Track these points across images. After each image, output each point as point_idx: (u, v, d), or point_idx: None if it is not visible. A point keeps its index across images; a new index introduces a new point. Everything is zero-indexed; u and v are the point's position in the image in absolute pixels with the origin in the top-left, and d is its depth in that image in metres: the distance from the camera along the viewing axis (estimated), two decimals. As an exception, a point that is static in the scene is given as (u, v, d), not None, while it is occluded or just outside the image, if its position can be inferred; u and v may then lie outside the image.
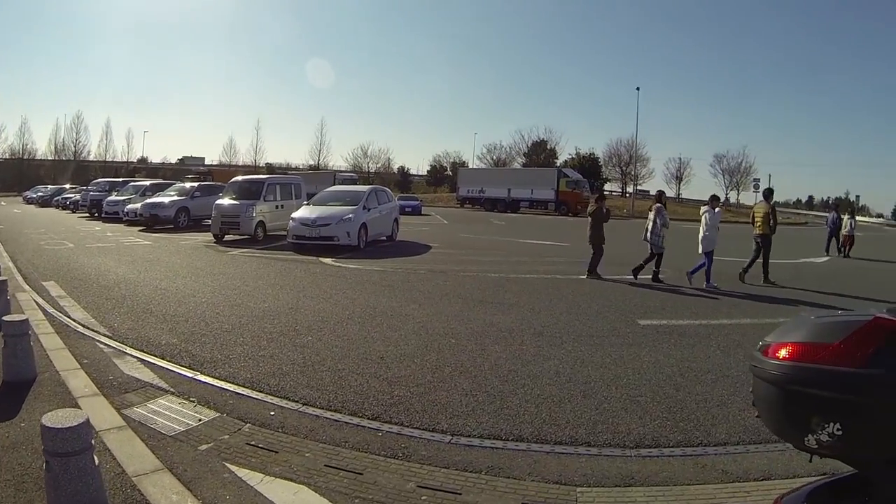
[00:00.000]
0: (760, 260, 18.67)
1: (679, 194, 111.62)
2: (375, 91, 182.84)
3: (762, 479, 5.81)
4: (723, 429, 6.93)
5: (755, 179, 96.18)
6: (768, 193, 20.28)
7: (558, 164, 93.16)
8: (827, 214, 37.93)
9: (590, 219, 18.76)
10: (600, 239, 18.30)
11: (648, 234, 17.91)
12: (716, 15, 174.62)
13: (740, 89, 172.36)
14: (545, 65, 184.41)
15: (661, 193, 19.56)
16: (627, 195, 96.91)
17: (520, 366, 8.86)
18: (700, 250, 17.67)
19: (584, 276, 17.92)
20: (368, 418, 6.79)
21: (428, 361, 8.90)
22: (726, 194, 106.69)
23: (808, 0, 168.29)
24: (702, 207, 19.16)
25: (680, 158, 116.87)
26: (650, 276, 17.55)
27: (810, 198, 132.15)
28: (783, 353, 2.94)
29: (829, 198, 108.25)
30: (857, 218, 35.06)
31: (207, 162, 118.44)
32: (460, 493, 5.21)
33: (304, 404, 7.14)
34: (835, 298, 16.71)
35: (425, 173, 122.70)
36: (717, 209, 18.45)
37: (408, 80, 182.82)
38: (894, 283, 22.62)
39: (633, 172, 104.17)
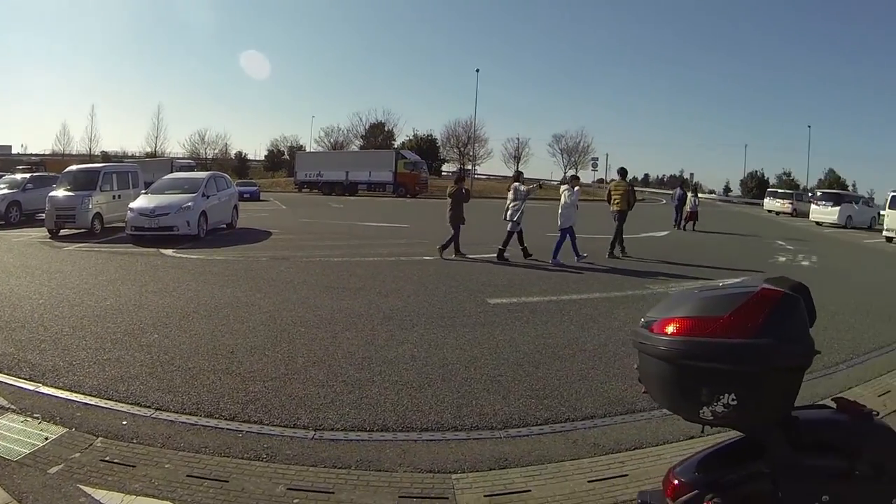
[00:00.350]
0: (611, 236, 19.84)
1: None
2: (212, 74, 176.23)
3: (634, 449, 5.88)
4: (588, 402, 6.98)
5: (593, 158, 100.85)
6: (624, 172, 21.94)
7: (396, 146, 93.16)
8: (671, 192, 42.06)
9: (449, 200, 18.69)
10: (459, 219, 18.38)
11: (508, 213, 18.31)
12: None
13: (579, 71, 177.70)
14: (384, 47, 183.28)
15: (518, 174, 20.40)
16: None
17: (374, 352, 8.62)
18: (559, 226, 18.25)
19: (453, 257, 18.01)
20: (226, 419, 6.34)
21: (280, 353, 8.50)
22: (565, 173, 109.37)
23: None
24: (562, 186, 20.03)
25: (518, 139, 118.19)
26: (496, 255, 17.93)
27: (646, 175, 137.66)
28: (671, 328, 2.87)
29: (664, 175, 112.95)
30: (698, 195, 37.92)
31: (39, 151, 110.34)
32: (333, 492, 4.91)
33: (157, 409, 6.54)
34: (679, 268, 17.70)
35: (263, 158, 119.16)
36: (576, 188, 19.23)
37: (245, 62, 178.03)
38: (732, 251, 24.32)
39: (471, 153, 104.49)
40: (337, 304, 11.52)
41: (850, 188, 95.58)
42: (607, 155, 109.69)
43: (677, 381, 2.85)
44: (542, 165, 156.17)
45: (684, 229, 33.94)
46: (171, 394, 6.95)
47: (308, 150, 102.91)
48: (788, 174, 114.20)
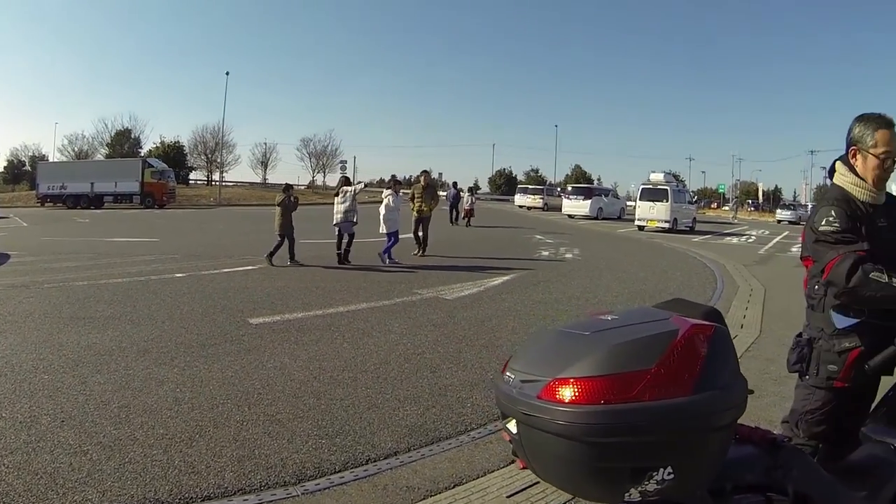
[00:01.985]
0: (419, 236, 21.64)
1: (265, 179, 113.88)
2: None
3: (454, 486, 5.17)
4: (385, 436, 6.17)
5: (342, 162, 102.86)
6: (426, 174, 23.98)
7: (143, 154, 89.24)
8: (445, 192, 46.85)
9: (279, 208, 18.98)
10: (291, 228, 18.78)
11: (340, 217, 19.00)
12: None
13: (327, 74, 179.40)
14: (129, 47, 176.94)
15: (346, 178, 21.50)
16: (214, 183, 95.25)
17: (131, 398, 7.27)
18: (383, 230, 19.63)
19: (288, 264, 18.34)
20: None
21: (20, 412, 6.84)
22: (313, 177, 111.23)
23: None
24: (384, 191, 21.40)
25: (266, 143, 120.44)
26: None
27: (393, 176, 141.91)
28: (570, 392, 2.03)
29: (411, 176, 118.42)
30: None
31: None
32: None
33: None
34: (452, 260, 18.66)
35: (2, 170, 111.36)
36: (399, 193, 20.85)
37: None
38: (499, 245, 25.98)
39: (219, 159, 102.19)
40: (84, 340, 9.94)
41: (596, 182, 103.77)
42: (355, 157, 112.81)
43: (592, 465, 2.05)
44: (291, 170, 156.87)
45: (466, 225, 38.36)
46: None
47: (51, 160, 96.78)
48: (536, 171, 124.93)
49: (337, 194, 19.71)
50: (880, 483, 2.87)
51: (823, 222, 3.59)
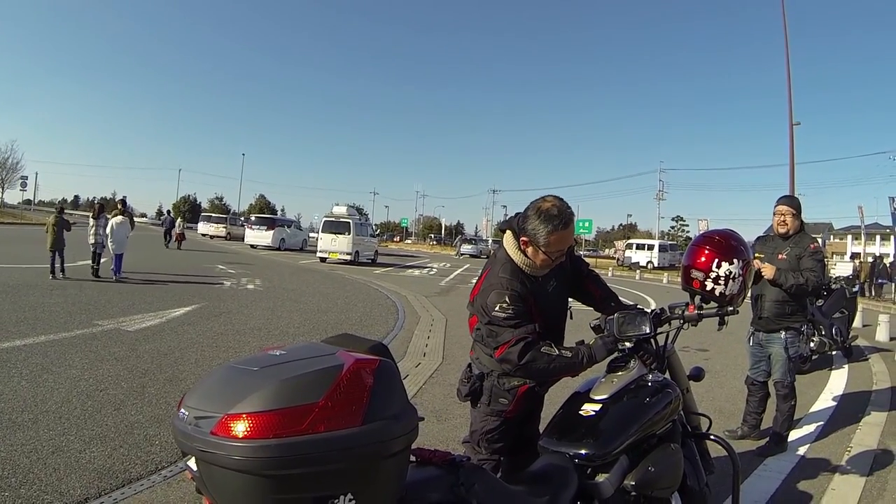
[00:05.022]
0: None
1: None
2: None
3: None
4: (74, 481, 5.80)
5: (23, 177, 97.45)
6: (123, 203, 25.55)
7: None
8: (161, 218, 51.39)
9: (54, 228, 20.77)
10: (62, 244, 20.65)
11: (95, 238, 21.80)
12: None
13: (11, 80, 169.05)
14: None
15: (102, 205, 24.29)
16: None
17: None
18: (113, 251, 21.77)
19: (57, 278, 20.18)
20: None
21: None
22: None
23: None
24: (116, 217, 22.88)
25: None
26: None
27: (77, 197, 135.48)
28: (242, 427, 2.10)
29: (94, 198, 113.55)
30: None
31: None
32: None
33: None
34: (143, 277, 17.16)
35: None
36: (125, 216, 23.30)
37: None
38: (190, 269, 26.69)
39: None
40: None
41: (280, 213, 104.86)
42: (37, 174, 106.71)
43: (274, 497, 2.14)
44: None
45: (178, 248, 42.47)
46: None
47: None
48: (221, 199, 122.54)
49: (96, 217, 22.32)
50: (559, 488, 3.32)
51: (497, 308, 3.90)
